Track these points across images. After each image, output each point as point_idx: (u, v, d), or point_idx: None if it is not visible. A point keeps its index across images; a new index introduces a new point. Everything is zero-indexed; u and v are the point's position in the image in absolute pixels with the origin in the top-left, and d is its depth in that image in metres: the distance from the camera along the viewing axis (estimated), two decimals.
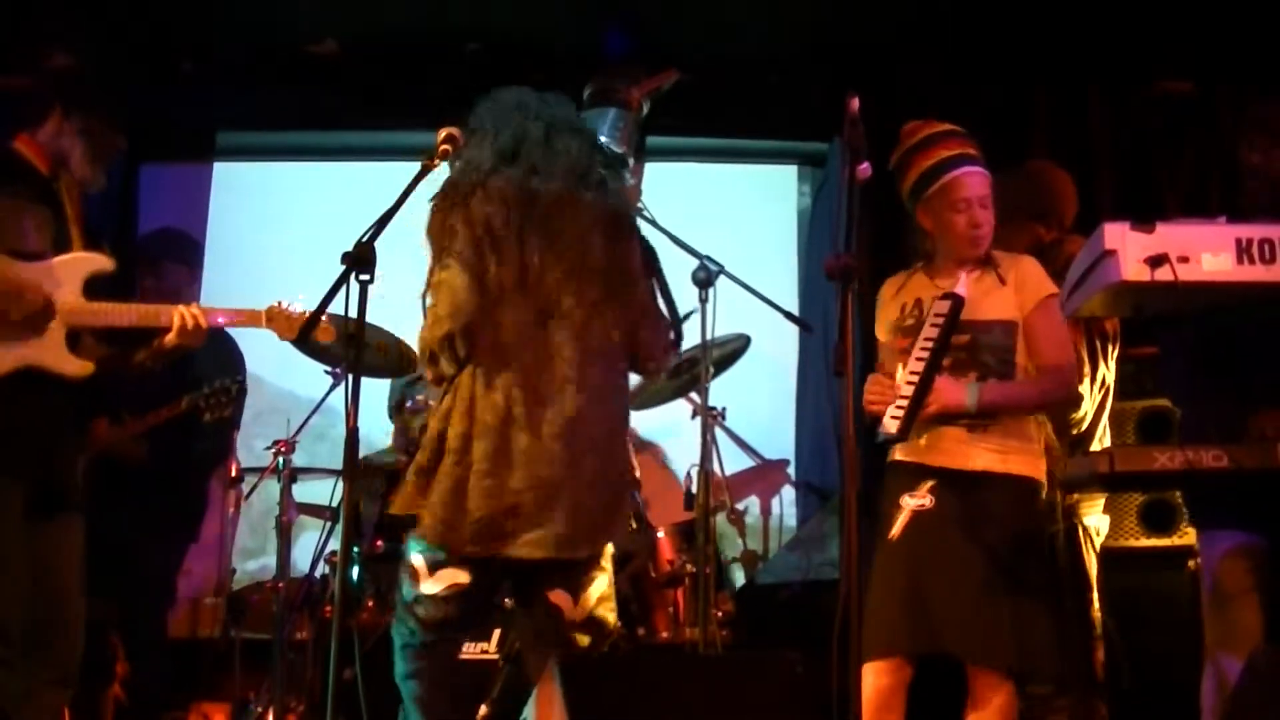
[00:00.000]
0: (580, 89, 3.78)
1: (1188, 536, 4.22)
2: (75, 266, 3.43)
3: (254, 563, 5.98)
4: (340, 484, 3.44)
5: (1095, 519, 3.87)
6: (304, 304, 3.60)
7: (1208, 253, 2.92)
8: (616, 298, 3.20)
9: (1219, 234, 2.94)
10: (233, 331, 5.63)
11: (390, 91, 5.76)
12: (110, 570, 3.77)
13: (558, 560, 3.10)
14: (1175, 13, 5.39)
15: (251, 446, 5.40)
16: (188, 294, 4.87)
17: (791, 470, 6.13)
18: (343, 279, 2.84)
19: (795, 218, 6.61)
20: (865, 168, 2.95)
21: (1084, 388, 3.77)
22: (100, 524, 3.63)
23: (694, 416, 4.84)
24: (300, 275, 5.94)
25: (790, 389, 6.34)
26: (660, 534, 4.72)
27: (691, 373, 4.74)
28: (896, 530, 3.39)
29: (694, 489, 4.40)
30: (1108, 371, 3.88)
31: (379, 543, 4.66)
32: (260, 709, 4.64)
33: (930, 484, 3.39)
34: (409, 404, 5.20)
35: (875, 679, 3.26)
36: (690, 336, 3.71)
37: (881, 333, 3.64)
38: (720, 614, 4.36)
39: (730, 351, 4.91)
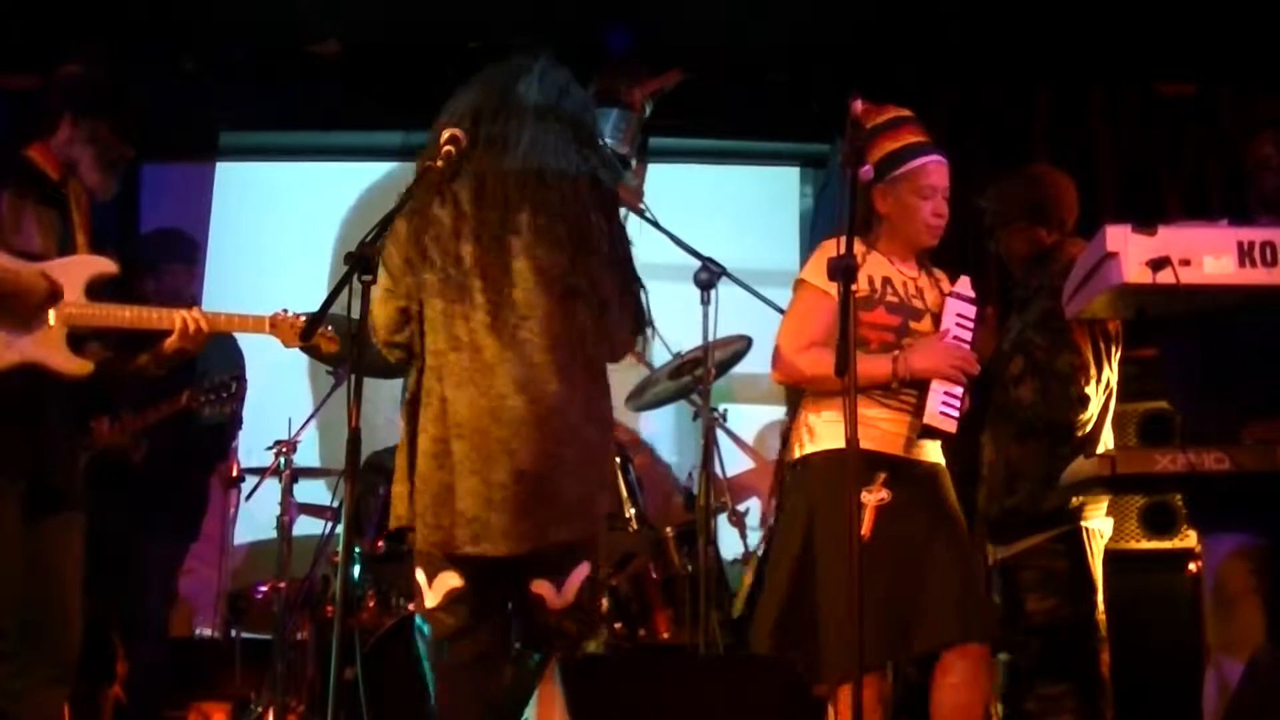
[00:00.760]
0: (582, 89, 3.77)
1: (1189, 539, 4.22)
2: (78, 268, 3.43)
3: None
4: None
5: (1099, 521, 3.87)
6: (306, 314, 3.59)
7: (1210, 255, 2.93)
8: (587, 281, 3.13)
9: (1221, 237, 2.95)
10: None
11: (393, 91, 5.76)
12: (110, 569, 3.78)
13: (538, 550, 3.07)
14: (1176, 14, 5.39)
15: (251, 447, 5.39)
16: (187, 294, 4.88)
17: None
18: (345, 280, 2.84)
19: (797, 219, 6.60)
20: (867, 169, 2.95)
21: (1089, 389, 3.77)
22: (100, 523, 3.63)
23: (695, 418, 4.84)
24: (302, 275, 5.99)
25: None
26: (661, 535, 4.72)
27: (693, 374, 4.75)
28: (865, 530, 3.21)
29: (695, 490, 4.42)
30: (1111, 373, 3.88)
31: (380, 543, 4.66)
32: (260, 709, 4.64)
33: (883, 476, 3.29)
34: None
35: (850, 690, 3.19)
36: (692, 338, 3.70)
37: (829, 287, 3.24)
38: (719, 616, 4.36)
39: (732, 353, 4.91)
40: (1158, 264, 2.89)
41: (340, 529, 3.66)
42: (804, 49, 5.82)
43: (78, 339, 3.41)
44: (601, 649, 3.29)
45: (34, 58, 3.66)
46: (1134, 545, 4.33)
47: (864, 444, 3.13)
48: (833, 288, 3.21)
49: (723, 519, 4.94)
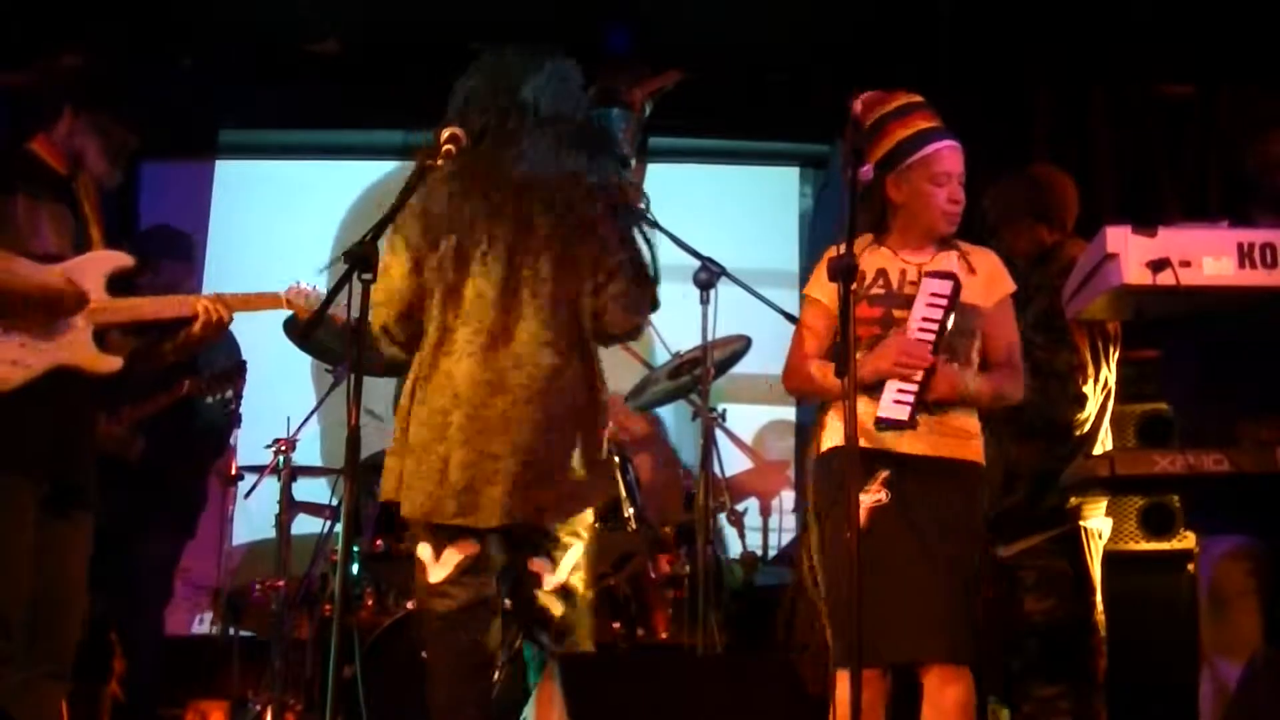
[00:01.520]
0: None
1: (1187, 540, 4.22)
2: (96, 264, 3.43)
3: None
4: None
5: (1098, 521, 3.87)
6: (319, 288, 3.61)
7: (1209, 257, 2.92)
8: (584, 260, 3.18)
9: (1221, 238, 2.95)
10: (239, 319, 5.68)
11: (392, 90, 5.76)
12: (107, 567, 3.77)
13: (535, 527, 3.11)
14: (1176, 15, 5.40)
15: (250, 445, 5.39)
16: (185, 290, 4.87)
17: (791, 472, 6.15)
18: (345, 278, 2.84)
19: (797, 219, 6.61)
20: (867, 169, 2.95)
21: (1086, 390, 3.77)
22: (96, 520, 3.63)
23: (694, 418, 4.85)
24: (302, 273, 5.98)
25: None
26: (660, 534, 4.72)
27: (692, 374, 4.75)
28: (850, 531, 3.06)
29: (694, 490, 4.42)
30: (1109, 373, 3.89)
31: (379, 542, 4.66)
32: (259, 707, 4.64)
33: (884, 475, 3.17)
34: None
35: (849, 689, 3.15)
36: (691, 338, 3.70)
37: (829, 294, 3.31)
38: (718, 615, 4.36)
39: (731, 353, 4.91)
40: (1158, 265, 2.88)
41: (339, 527, 3.66)
42: (804, 49, 5.82)
43: (99, 333, 3.42)
44: (590, 644, 3.27)
45: (35, 56, 3.65)
46: (1133, 546, 4.33)
47: (867, 442, 3.11)
48: (828, 295, 3.26)
49: (721, 518, 4.95)
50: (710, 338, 4.05)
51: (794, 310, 4.54)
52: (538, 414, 3.09)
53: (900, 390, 3.14)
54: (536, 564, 3.17)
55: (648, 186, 3.79)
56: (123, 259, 3.47)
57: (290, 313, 4.81)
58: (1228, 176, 5.49)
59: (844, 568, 2.99)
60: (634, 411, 5.61)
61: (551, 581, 3.18)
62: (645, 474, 5.56)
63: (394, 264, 3.18)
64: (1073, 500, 3.72)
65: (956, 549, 3.17)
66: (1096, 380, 3.83)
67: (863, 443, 3.08)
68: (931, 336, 3.16)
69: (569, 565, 3.20)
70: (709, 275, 4.17)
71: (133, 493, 4.52)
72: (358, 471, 2.84)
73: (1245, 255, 2.92)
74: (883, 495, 3.18)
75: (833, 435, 3.31)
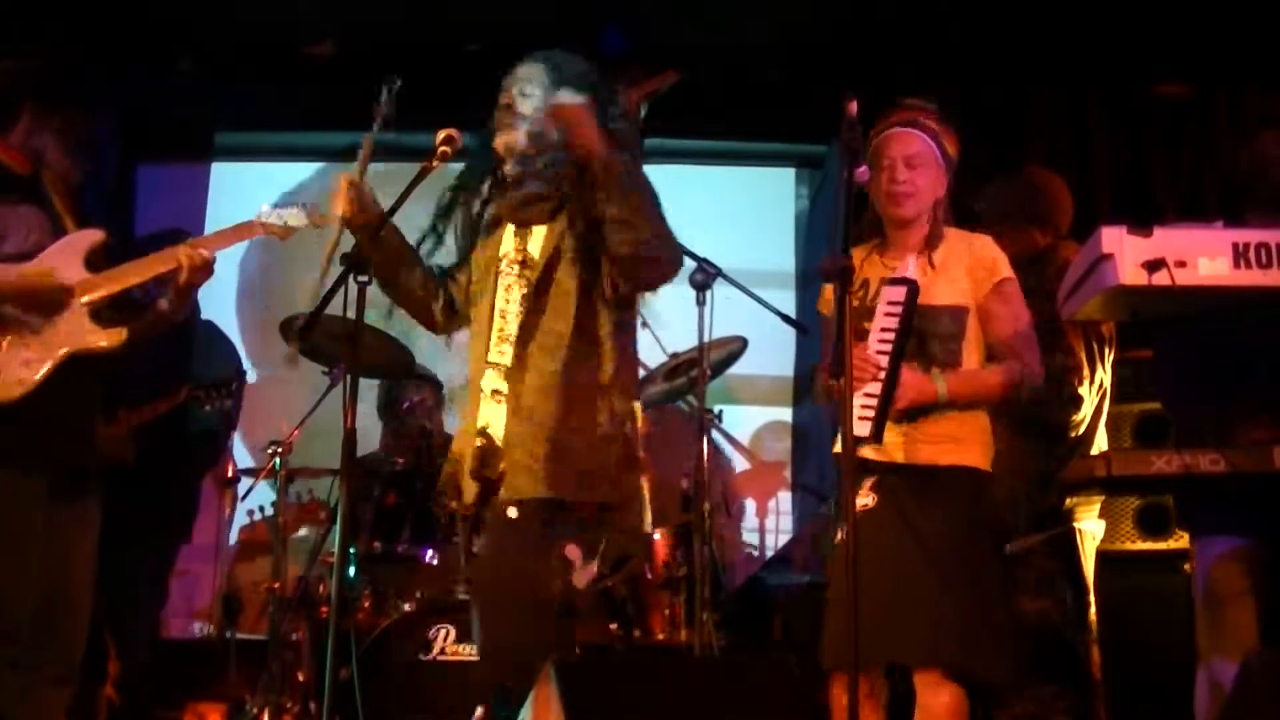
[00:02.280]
0: None
1: (1183, 540, 4.23)
2: (70, 247, 3.45)
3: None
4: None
5: (1091, 523, 3.88)
6: (295, 209, 3.63)
7: (1205, 257, 2.92)
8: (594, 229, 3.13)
9: (1216, 238, 2.95)
10: (227, 329, 5.68)
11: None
12: (102, 569, 3.77)
13: (567, 506, 3.07)
14: (1173, 15, 5.40)
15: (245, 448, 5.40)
16: None
17: (788, 473, 6.15)
18: (341, 280, 2.85)
19: (793, 220, 6.61)
20: (863, 170, 2.95)
21: (1082, 390, 3.78)
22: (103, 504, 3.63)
23: (691, 419, 4.85)
24: (303, 273, 5.98)
25: (787, 391, 6.35)
26: (657, 536, 4.72)
27: (689, 375, 4.75)
28: (842, 534, 3.09)
29: (690, 491, 4.42)
30: (1105, 374, 3.89)
31: (375, 543, 4.67)
32: (255, 709, 4.64)
33: (871, 480, 3.15)
34: (404, 404, 5.21)
35: (843, 691, 3.05)
36: (688, 339, 3.70)
37: (829, 307, 3.30)
38: (715, 616, 4.36)
39: (727, 354, 4.91)
40: (1153, 265, 2.88)
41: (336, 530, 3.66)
42: (800, 49, 5.82)
43: (95, 312, 3.43)
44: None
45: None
46: (1129, 546, 4.33)
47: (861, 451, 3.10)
48: (826, 309, 3.28)
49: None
50: (707, 338, 4.06)
51: (790, 311, 4.56)
52: (567, 403, 3.10)
53: (863, 406, 3.08)
54: (571, 550, 3.12)
55: None
56: (94, 235, 3.49)
57: (287, 315, 4.85)
58: (1224, 176, 5.50)
59: (834, 570, 3.09)
60: None
61: (583, 575, 3.16)
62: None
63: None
64: (1067, 502, 3.72)
65: (941, 556, 3.13)
66: (1092, 381, 3.84)
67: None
68: (888, 346, 3.12)
69: (596, 558, 3.20)
70: (705, 276, 4.18)
71: (127, 496, 4.51)
72: (354, 473, 2.85)
73: (1241, 255, 2.92)
74: (869, 500, 3.15)
75: (834, 441, 3.26)
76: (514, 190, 3.18)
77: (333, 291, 2.88)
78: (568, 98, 3.08)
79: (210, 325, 5.41)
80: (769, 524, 5.96)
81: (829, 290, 3.25)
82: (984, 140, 5.80)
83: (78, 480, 3.42)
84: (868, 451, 3.13)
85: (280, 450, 4.79)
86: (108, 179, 5.41)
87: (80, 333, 3.39)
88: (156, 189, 6.00)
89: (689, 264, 3.80)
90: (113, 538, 4.26)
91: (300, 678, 4.62)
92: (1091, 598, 3.82)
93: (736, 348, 4.95)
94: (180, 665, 5.30)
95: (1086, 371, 3.82)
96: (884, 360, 3.10)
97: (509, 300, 3.16)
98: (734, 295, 4.43)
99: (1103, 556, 3.94)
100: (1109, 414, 4.00)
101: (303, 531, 5.24)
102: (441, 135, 3.11)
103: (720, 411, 5.08)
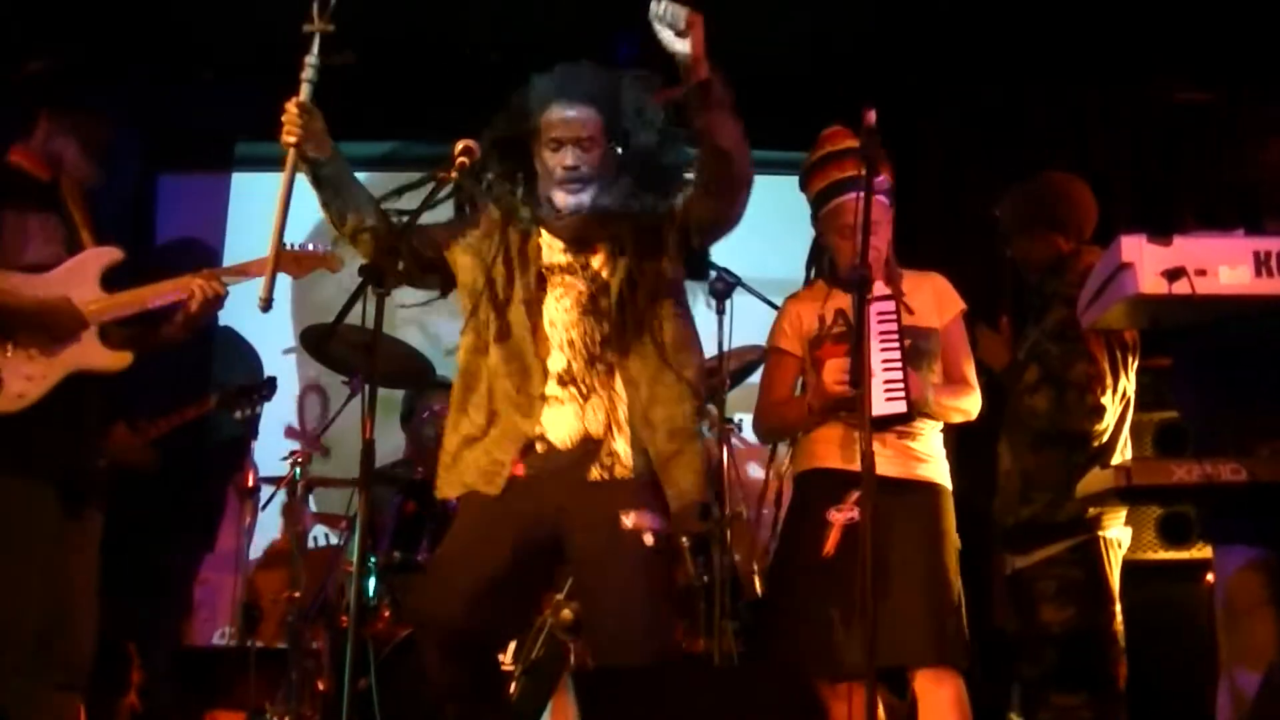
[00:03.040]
0: None
1: (1206, 550, 4.20)
2: (88, 264, 3.46)
3: None
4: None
5: (1117, 531, 3.85)
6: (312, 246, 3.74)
7: (1225, 265, 2.91)
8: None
9: (1236, 247, 2.93)
10: (250, 338, 5.70)
11: (409, 102, 5.77)
12: (125, 578, 3.79)
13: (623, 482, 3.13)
14: (1191, 19, 5.38)
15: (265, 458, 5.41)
16: None
17: None
18: (359, 291, 2.85)
19: (810, 229, 6.58)
20: (883, 179, 2.95)
21: (1104, 399, 3.75)
22: (113, 532, 3.65)
23: (710, 428, 4.84)
24: (317, 286, 5.99)
25: None
26: (676, 544, 4.71)
27: (708, 384, 4.74)
28: (830, 547, 3.33)
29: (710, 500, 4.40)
30: (1128, 383, 3.86)
31: (395, 553, 4.67)
32: (275, 718, 4.65)
33: (855, 495, 3.21)
34: (423, 413, 5.22)
35: (835, 704, 3.19)
36: (708, 348, 3.70)
37: (793, 345, 3.65)
38: (734, 624, 4.36)
39: (746, 363, 4.90)
40: (1173, 274, 2.87)
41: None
42: (816, 58, 5.82)
43: (103, 331, 3.45)
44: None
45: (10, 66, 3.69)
46: (1150, 556, 4.31)
47: (836, 463, 3.43)
48: (795, 344, 3.61)
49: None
50: (726, 348, 4.06)
51: None
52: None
53: (886, 384, 3.28)
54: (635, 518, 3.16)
55: None
56: (112, 253, 3.51)
57: (307, 325, 4.87)
58: (1243, 183, 5.47)
59: (810, 588, 3.32)
60: None
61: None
62: None
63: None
64: (1092, 510, 3.70)
65: (929, 561, 3.37)
66: (1115, 390, 3.81)
67: (839, 464, 3.44)
68: (896, 347, 3.33)
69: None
70: (724, 285, 4.19)
71: (150, 505, 4.54)
72: (372, 482, 2.85)
73: (1262, 264, 2.91)
74: (855, 514, 3.26)
75: (806, 459, 3.55)
76: (568, 199, 3.20)
77: (351, 303, 2.88)
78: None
79: (229, 331, 5.43)
80: None
81: (785, 321, 3.64)
82: (988, 142, 5.81)
83: (79, 488, 3.43)
84: (850, 466, 3.30)
85: (299, 459, 4.81)
86: (128, 189, 5.44)
87: (86, 353, 3.41)
88: (177, 199, 6.03)
89: (709, 273, 3.80)
90: (136, 546, 4.30)
91: (320, 687, 4.63)
92: (1117, 607, 3.79)
93: (755, 357, 4.93)
94: (201, 674, 5.32)
95: (1110, 381, 3.79)
96: (896, 358, 3.31)
97: (565, 310, 3.19)
98: (753, 304, 4.43)
99: (1125, 565, 3.91)
100: (1130, 422, 3.97)
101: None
102: (459, 146, 3.11)
103: (739, 420, 5.06)
